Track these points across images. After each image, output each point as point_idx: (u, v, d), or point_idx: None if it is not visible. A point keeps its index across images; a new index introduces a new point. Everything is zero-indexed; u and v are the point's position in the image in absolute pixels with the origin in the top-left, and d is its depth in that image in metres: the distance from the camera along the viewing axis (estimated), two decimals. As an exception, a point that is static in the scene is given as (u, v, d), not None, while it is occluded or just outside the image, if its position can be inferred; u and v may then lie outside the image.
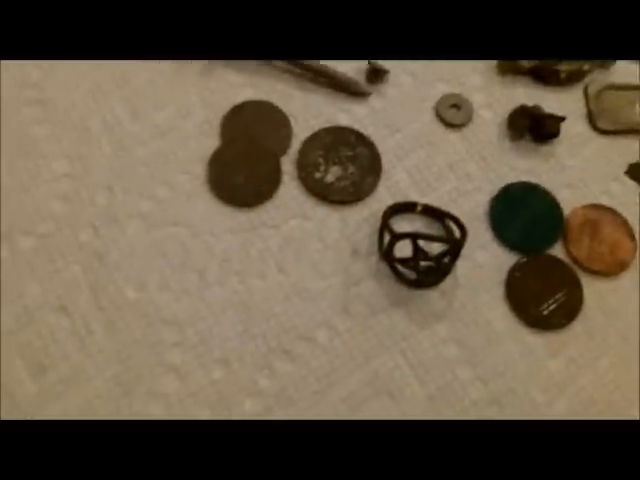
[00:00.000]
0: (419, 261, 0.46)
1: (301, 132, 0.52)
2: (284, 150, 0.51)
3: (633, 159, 0.53)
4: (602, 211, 0.50)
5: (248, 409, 0.44)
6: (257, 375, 0.45)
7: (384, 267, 0.48)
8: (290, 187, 0.50)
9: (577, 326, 0.47)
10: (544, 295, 0.47)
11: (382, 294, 0.47)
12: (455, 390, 0.45)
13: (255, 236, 0.48)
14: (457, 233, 0.49)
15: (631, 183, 0.52)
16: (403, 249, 0.47)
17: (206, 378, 0.45)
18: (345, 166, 0.51)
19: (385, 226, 0.47)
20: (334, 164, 0.51)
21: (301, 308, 0.47)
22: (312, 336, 0.46)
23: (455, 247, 0.46)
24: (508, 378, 0.46)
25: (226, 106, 0.52)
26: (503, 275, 0.48)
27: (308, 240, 0.49)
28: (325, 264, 0.48)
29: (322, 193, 0.50)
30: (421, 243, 0.47)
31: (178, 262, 0.47)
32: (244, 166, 0.50)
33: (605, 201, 0.51)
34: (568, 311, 0.47)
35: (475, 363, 0.46)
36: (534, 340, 0.47)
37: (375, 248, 0.48)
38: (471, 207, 0.50)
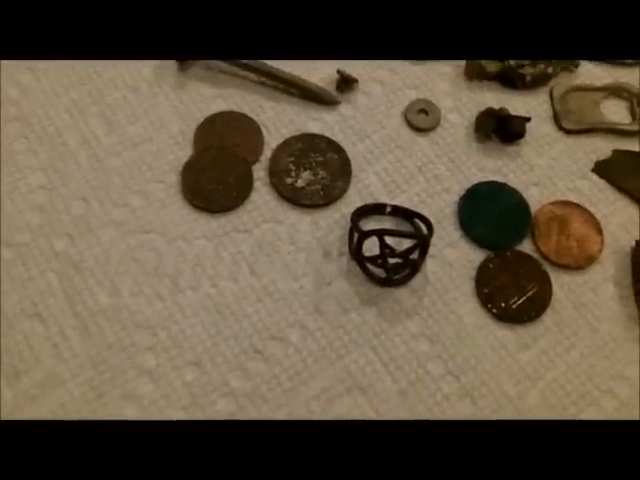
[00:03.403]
0: (387, 257, 0.47)
1: (273, 140, 0.53)
2: (256, 157, 0.52)
3: (598, 157, 0.53)
4: (569, 207, 0.51)
5: (221, 409, 0.44)
6: (229, 375, 0.45)
7: (355, 267, 0.48)
8: (262, 192, 0.51)
9: (547, 319, 0.47)
10: (513, 290, 0.48)
11: (353, 293, 0.48)
12: (427, 385, 0.45)
13: (228, 241, 0.49)
14: (426, 232, 0.49)
15: (597, 180, 0.52)
16: (374, 250, 0.48)
17: (179, 380, 0.45)
18: (315, 171, 0.51)
19: (354, 226, 0.48)
20: (305, 169, 0.51)
21: (273, 309, 0.47)
22: (284, 336, 0.46)
23: (422, 242, 0.46)
24: (479, 372, 0.46)
25: (199, 118, 0.53)
26: (472, 272, 0.49)
27: (280, 243, 0.49)
28: (297, 266, 0.49)
29: (293, 198, 0.50)
30: (391, 242, 0.48)
31: (151, 268, 0.48)
32: (216, 173, 0.51)
33: (572, 198, 0.52)
34: (538, 305, 0.47)
35: (446, 358, 0.46)
36: (505, 334, 0.47)
37: (346, 249, 0.49)
38: (440, 207, 0.51)
